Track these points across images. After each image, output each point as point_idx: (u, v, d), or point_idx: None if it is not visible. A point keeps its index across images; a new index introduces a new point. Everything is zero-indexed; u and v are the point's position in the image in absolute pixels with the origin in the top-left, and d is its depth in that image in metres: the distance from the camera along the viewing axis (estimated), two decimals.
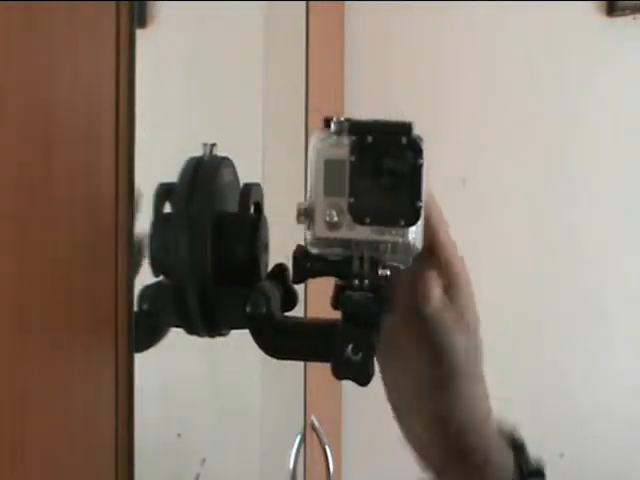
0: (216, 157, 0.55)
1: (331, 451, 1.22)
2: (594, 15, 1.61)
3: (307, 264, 0.51)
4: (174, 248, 0.51)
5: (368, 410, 1.62)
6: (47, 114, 0.41)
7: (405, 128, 0.48)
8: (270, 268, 0.57)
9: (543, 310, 1.62)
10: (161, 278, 0.53)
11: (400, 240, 0.48)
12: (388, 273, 0.51)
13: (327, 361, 0.50)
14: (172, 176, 0.54)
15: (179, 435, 0.91)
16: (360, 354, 0.49)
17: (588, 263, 1.61)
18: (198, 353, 0.80)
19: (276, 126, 1.18)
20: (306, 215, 0.49)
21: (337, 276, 0.51)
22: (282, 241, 0.58)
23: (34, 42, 0.39)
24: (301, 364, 1.03)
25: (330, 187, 0.49)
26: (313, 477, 1.18)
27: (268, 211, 0.58)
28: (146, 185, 0.53)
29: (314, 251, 0.50)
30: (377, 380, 0.51)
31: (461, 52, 1.64)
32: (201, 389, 1.03)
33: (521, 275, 1.62)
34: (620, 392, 1.59)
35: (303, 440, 1.17)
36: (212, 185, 0.53)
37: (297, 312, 0.58)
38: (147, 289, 0.53)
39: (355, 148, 0.48)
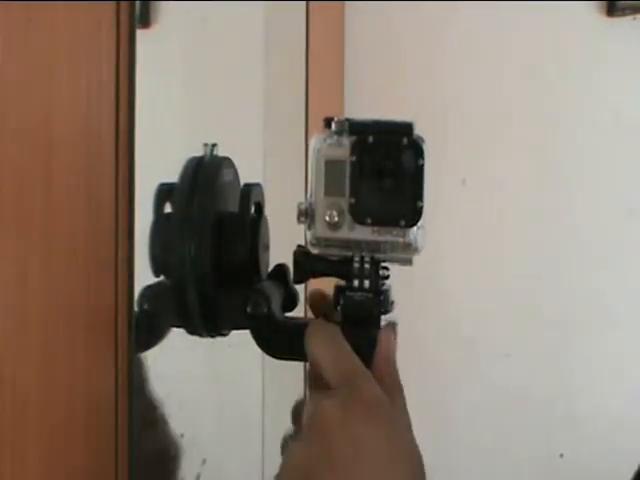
0: (217, 157, 0.55)
1: None
2: (594, 15, 1.61)
3: (308, 264, 0.51)
4: (174, 248, 0.51)
5: None
6: (47, 114, 0.41)
7: (406, 128, 0.48)
8: (271, 268, 0.57)
9: (542, 311, 1.62)
10: (161, 278, 0.53)
11: (401, 240, 0.48)
12: (388, 274, 0.51)
13: None
14: (172, 176, 0.54)
15: (182, 435, 0.91)
16: (360, 355, 0.49)
17: (588, 263, 1.61)
18: (199, 353, 0.79)
19: (277, 126, 1.18)
20: (306, 215, 0.49)
21: (337, 276, 0.51)
22: (282, 241, 0.58)
23: (34, 42, 0.39)
24: (301, 364, 1.03)
25: (331, 187, 0.49)
26: None
27: (269, 211, 0.58)
28: (146, 185, 0.53)
29: (315, 251, 0.50)
30: None
31: (461, 52, 1.64)
32: (202, 389, 1.03)
33: (521, 275, 1.62)
34: (620, 392, 1.59)
35: None
36: (213, 185, 0.53)
37: (297, 312, 0.57)
38: (147, 289, 0.53)
39: (356, 148, 0.48)
